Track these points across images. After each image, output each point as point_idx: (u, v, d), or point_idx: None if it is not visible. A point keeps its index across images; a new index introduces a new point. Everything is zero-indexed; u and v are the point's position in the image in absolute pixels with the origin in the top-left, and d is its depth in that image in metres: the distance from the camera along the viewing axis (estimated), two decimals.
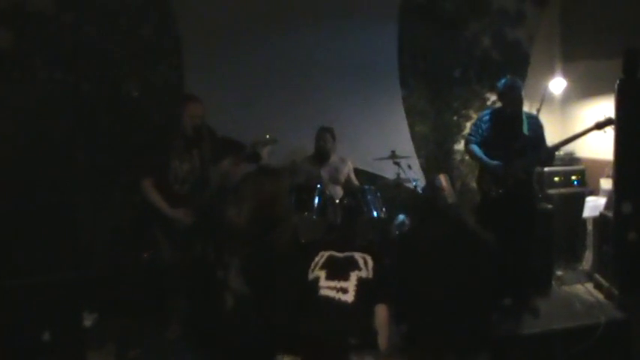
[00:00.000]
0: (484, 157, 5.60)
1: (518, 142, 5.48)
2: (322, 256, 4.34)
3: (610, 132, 5.29)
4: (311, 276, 4.26)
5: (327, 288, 4.08)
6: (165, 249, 5.02)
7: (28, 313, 4.43)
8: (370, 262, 4.25)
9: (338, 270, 4.20)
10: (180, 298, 5.16)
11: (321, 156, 6.58)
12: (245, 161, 5.42)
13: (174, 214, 4.89)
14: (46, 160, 4.52)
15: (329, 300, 4.02)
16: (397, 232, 6.29)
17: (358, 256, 4.30)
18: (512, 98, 5.48)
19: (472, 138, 5.73)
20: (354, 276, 4.14)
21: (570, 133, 5.46)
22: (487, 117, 5.73)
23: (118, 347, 5.00)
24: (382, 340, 3.99)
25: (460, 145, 7.43)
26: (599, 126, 5.25)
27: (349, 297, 4.02)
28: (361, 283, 4.13)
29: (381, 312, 4.07)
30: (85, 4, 6.63)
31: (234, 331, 4.33)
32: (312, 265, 4.32)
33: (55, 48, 6.53)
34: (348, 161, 6.78)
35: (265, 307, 4.12)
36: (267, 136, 5.22)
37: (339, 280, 4.11)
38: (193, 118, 4.96)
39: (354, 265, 4.23)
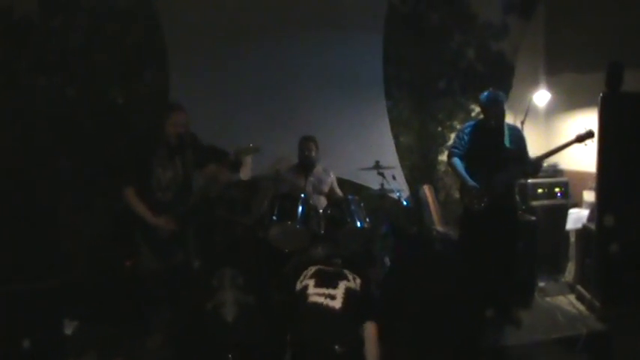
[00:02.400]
0: (463, 175, 5.61)
1: (500, 154, 5.49)
2: (311, 270, 4.36)
3: (591, 145, 5.31)
4: (299, 286, 4.27)
5: (316, 294, 4.09)
6: (148, 257, 4.99)
7: (8, 321, 4.40)
8: (358, 279, 4.28)
9: (327, 279, 4.21)
10: (163, 306, 5.13)
11: (305, 166, 6.55)
12: (228, 169, 5.42)
13: (156, 222, 4.86)
14: (29, 165, 4.51)
15: (317, 305, 4.02)
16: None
17: (347, 272, 4.32)
18: (495, 111, 5.50)
19: (455, 150, 5.74)
20: (342, 285, 4.16)
21: (554, 146, 5.48)
22: (469, 129, 5.75)
23: (98, 355, 4.96)
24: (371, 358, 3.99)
25: (444, 156, 7.46)
26: (580, 139, 5.27)
27: (337, 303, 4.03)
28: (349, 293, 4.14)
29: (371, 329, 4.07)
30: (71, 11, 6.63)
31: (239, 340, 4.35)
32: (302, 276, 4.33)
33: (40, 54, 6.52)
34: (331, 172, 6.76)
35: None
36: (250, 145, 5.21)
37: (327, 287, 4.13)
38: (177, 126, 4.95)
39: (342, 276, 4.25)
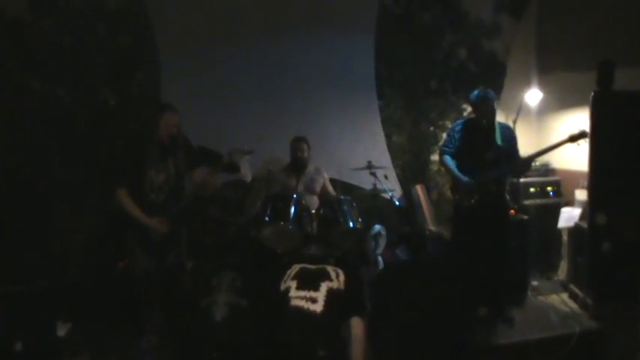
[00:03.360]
0: (455, 171, 5.63)
1: (491, 152, 5.50)
2: (294, 269, 4.37)
3: (583, 144, 5.32)
4: (282, 287, 4.28)
5: (297, 298, 4.10)
6: (141, 257, 4.98)
7: (0, 322, 4.39)
8: (342, 275, 4.29)
9: (309, 280, 4.22)
10: (155, 307, 5.12)
11: (297, 166, 6.54)
12: (222, 171, 5.42)
13: (149, 223, 4.86)
14: (21, 167, 4.50)
15: (298, 309, 4.03)
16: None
17: (330, 269, 4.33)
18: (485, 109, 5.52)
19: (446, 149, 5.76)
20: (324, 286, 4.17)
21: (546, 144, 5.50)
22: (459, 127, 5.76)
23: (92, 356, 4.95)
24: (357, 354, 3.99)
25: (437, 156, 7.47)
26: (573, 139, 5.28)
27: (318, 307, 4.03)
28: (331, 293, 4.15)
29: (356, 325, 4.08)
30: (63, 11, 6.61)
31: (225, 341, 4.35)
32: (285, 276, 4.34)
33: (31, 55, 6.50)
34: (323, 171, 6.75)
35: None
36: (244, 147, 5.21)
37: (309, 289, 4.14)
38: (169, 127, 4.95)
39: (325, 276, 4.26)
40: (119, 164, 5.23)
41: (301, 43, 7.36)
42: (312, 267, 4.38)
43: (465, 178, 5.53)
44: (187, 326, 4.73)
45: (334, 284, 4.22)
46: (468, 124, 5.77)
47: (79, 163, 6.60)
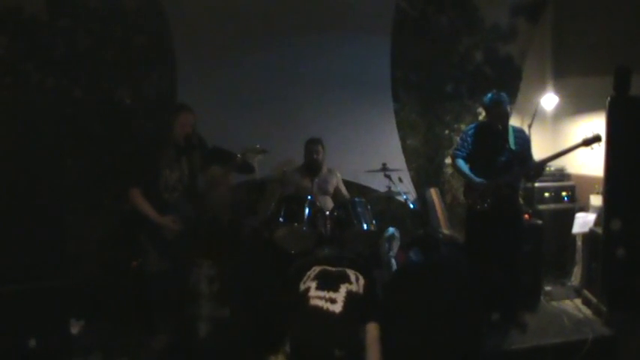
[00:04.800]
0: (469, 173, 5.62)
1: (504, 156, 5.50)
2: (314, 270, 4.37)
3: (598, 148, 5.29)
4: (302, 287, 4.28)
5: (317, 298, 4.10)
6: (153, 257, 5.00)
7: (15, 320, 4.41)
8: (362, 280, 4.29)
9: (329, 281, 4.22)
10: (168, 307, 5.13)
11: (312, 168, 6.54)
12: (236, 171, 5.43)
13: (162, 221, 4.87)
14: (36, 166, 4.51)
15: (317, 309, 4.03)
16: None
17: (351, 272, 4.33)
18: (498, 112, 5.50)
19: (458, 152, 5.75)
20: (343, 288, 4.16)
21: (561, 149, 5.47)
22: (472, 131, 5.76)
23: (104, 355, 4.97)
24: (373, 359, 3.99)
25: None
26: (587, 143, 5.25)
27: (337, 307, 4.03)
28: (350, 296, 4.15)
29: (372, 330, 4.09)
30: (80, 11, 6.64)
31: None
32: (305, 277, 4.34)
33: (48, 54, 6.54)
34: (336, 171, 6.76)
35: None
36: (257, 146, 5.22)
37: (328, 290, 4.13)
38: (184, 126, 4.96)
39: (345, 278, 4.26)
40: (133, 164, 5.25)
41: (317, 45, 7.35)
42: (333, 269, 4.38)
43: (477, 179, 5.51)
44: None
45: (354, 287, 4.22)
46: (480, 127, 5.76)
47: (94, 162, 6.64)
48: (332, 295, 4.11)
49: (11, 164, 4.45)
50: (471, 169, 5.64)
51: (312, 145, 6.56)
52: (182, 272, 5.14)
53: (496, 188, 5.44)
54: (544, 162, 5.50)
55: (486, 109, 5.66)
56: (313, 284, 4.24)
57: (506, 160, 5.50)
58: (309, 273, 4.41)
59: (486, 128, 5.66)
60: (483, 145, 5.62)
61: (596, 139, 5.23)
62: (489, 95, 5.59)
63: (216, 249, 5.49)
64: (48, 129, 4.62)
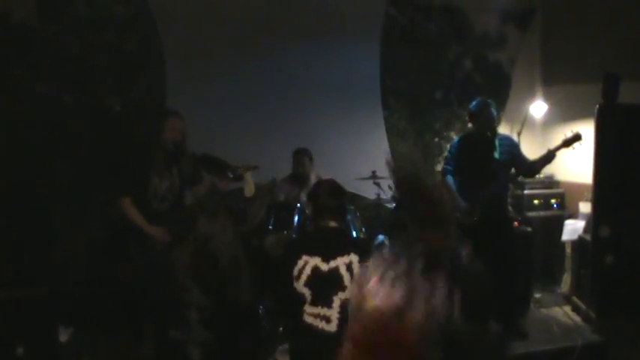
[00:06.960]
0: (454, 193, 5.60)
1: (489, 166, 5.48)
2: (306, 263, 4.19)
3: (587, 155, 5.30)
4: (297, 287, 4.15)
5: (311, 315, 4.03)
6: (142, 265, 4.97)
7: (2, 327, 4.39)
8: (355, 265, 4.12)
9: (321, 291, 4.12)
10: (156, 314, 5.10)
11: (299, 179, 6.55)
12: (228, 182, 5.42)
13: (151, 231, 4.84)
14: (24, 172, 4.50)
15: (312, 329, 3.97)
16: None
17: (342, 263, 4.17)
18: (486, 117, 5.51)
19: (447, 168, 5.77)
20: (337, 301, 4.08)
21: (541, 155, 5.48)
22: (456, 144, 5.78)
23: None
24: None
25: (441, 167, 7.48)
26: (567, 143, 5.24)
27: (332, 327, 3.96)
28: (344, 306, 4.09)
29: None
30: (69, 17, 6.61)
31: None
32: (296, 270, 4.18)
33: (37, 60, 6.50)
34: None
35: None
36: (250, 162, 5.25)
37: (322, 306, 4.06)
38: (174, 132, 4.94)
39: (338, 284, 4.16)
40: (123, 172, 5.22)
41: (306, 52, 7.36)
42: (325, 269, 4.24)
43: (462, 203, 5.50)
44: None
45: (347, 292, 4.16)
46: (463, 140, 5.78)
47: (83, 169, 6.61)
48: (326, 312, 4.04)
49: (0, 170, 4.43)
50: (460, 182, 5.64)
51: (299, 156, 6.55)
52: (169, 283, 5.11)
53: (482, 202, 5.43)
54: (535, 163, 5.50)
55: (473, 115, 5.65)
56: (308, 295, 4.16)
57: (492, 170, 5.49)
58: (298, 267, 4.24)
59: (469, 140, 5.67)
60: (468, 158, 5.62)
61: (576, 138, 5.22)
62: (475, 102, 5.62)
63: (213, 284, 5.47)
64: (37, 135, 4.60)
